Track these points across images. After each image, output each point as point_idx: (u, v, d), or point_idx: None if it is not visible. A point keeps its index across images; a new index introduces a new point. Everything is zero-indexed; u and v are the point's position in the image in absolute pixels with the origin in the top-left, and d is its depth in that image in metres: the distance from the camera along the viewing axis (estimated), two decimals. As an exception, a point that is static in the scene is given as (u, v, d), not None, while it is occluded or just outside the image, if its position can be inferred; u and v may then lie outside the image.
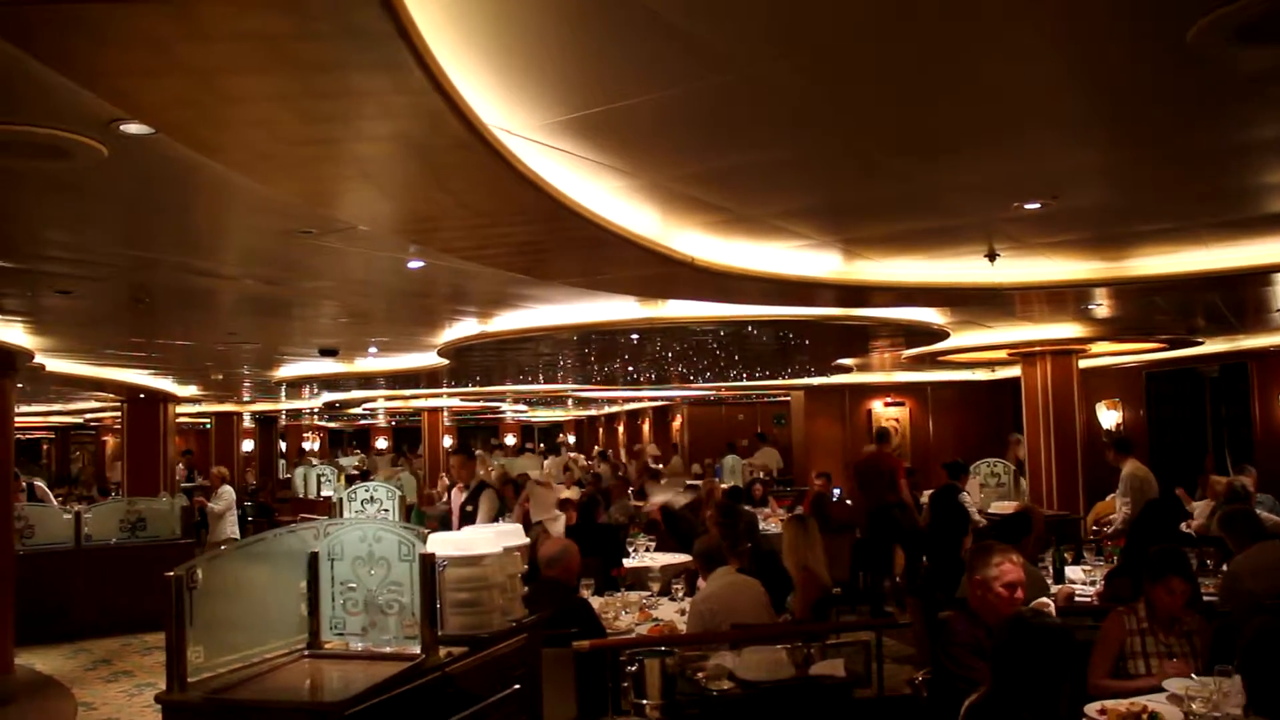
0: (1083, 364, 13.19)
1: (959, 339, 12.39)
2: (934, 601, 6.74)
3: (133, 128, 3.64)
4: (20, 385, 11.39)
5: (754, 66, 3.55)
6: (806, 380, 19.36)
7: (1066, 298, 8.91)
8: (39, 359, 10.56)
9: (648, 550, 10.04)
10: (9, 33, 2.54)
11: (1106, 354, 14.32)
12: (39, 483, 17.65)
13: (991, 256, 6.92)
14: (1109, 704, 4.28)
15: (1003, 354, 13.31)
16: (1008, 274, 7.52)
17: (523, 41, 3.29)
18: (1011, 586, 4.53)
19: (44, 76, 3.00)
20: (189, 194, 4.94)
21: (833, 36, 3.34)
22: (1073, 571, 7.78)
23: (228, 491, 14.54)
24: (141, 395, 16.44)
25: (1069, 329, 11.63)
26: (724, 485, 16.58)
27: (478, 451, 15.90)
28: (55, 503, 15.67)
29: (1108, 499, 11.16)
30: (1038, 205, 5.72)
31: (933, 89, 3.92)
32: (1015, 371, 13.80)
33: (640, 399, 27.89)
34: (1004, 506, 11.96)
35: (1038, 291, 8.04)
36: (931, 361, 15.22)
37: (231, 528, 14.15)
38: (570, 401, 28.38)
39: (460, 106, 3.16)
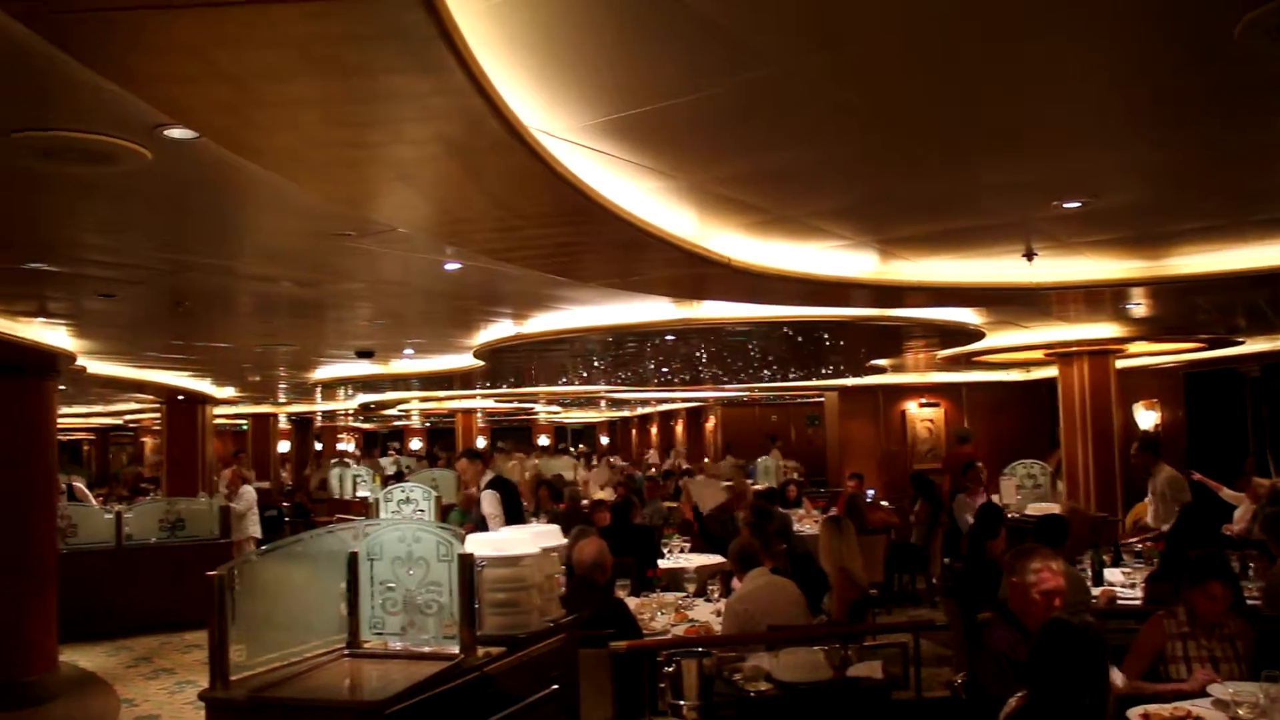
0: (1120, 364, 13.05)
1: (995, 339, 12.30)
2: (972, 603, 6.70)
3: (176, 132, 3.69)
4: (62, 387, 11.52)
5: (794, 64, 3.55)
6: (840, 381, 19.28)
7: (1104, 297, 8.82)
8: (81, 361, 10.69)
9: (682, 551, 10.04)
10: (58, 38, 2.58)
11: (1144, 354, 14.17)
12: (78, 483, 17.85)
13: (1029, 256, 6.87)
14: (1151, 709, 4.23)
15: (1039, 354, 13.21)
16: (1045, 273, 7.46)
17: (563, 42, 3.30)
18: (1049, 594, 4.48)
19: (90, 82, 3.04)
20: (229, 197, 4.99)
21: (874, 34, 3.33)
22: (1112, 574, 7.71)
23: (248, 491, 14.67)
24: (180, 397, 16.61)
25: (1106, 329, 11.51)
26: (758, 486, 16.59)
27: (515, 453, 15.98)
28: (95, 502, 15.85)
29: (1145, 500, 11.04)
30: (1078, 204, 5.67)
31: (974, 87, 3.90)
32: (1051, 372, 13.67)
33: (674, 400, 27.87)
34: (1041, 508, 11.87)
35: (1076, 291, 7.97)
36: (967, 362, 15.14)
37: (253, 527, 14.25)
38: (603, 403, 28.41)
39: (500, 108, 3.18)
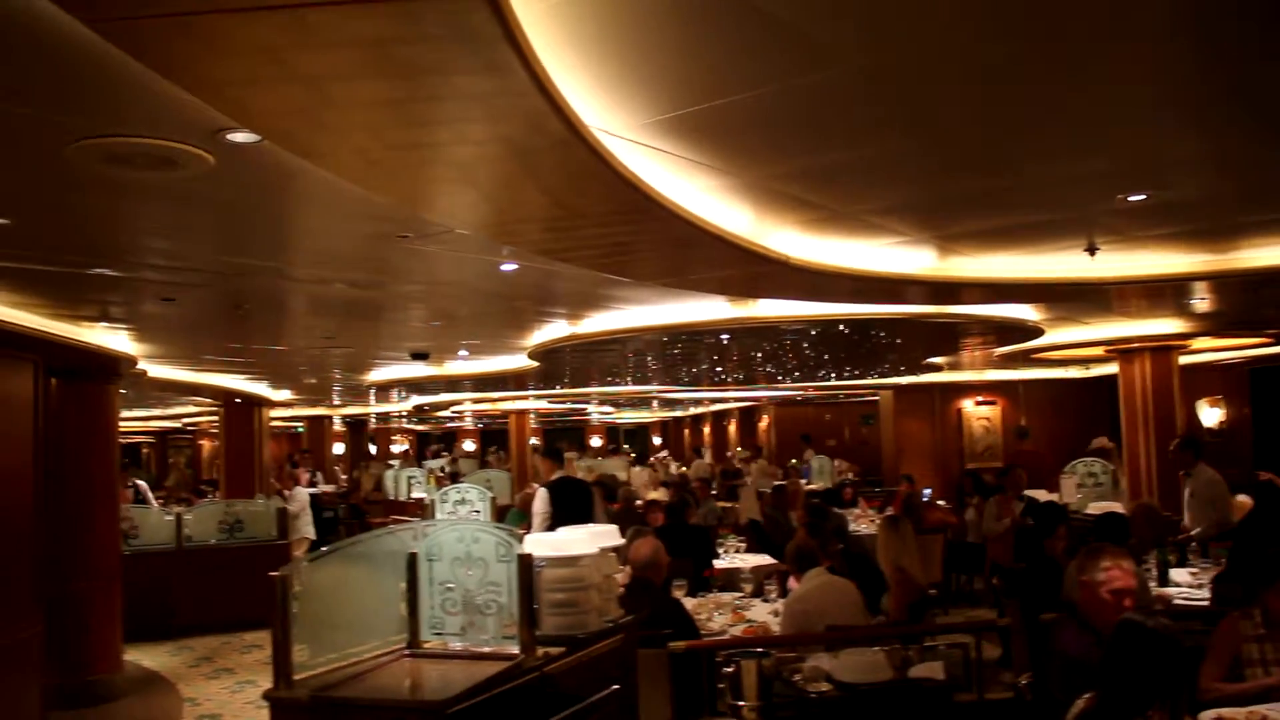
0: (1183, 360, 12.81)
1: (1054, 336, 12.14)
2: (1033, 604, 6.60)
3: (239, 136, 3.71)
4: (123, 391, 11.70)
5: (858, 60, 3.51)
6: (895, 379, 19.13)
7: (1166, 292, 8.68)
8: (141, 365, 10.85)
9: (738, 551, 10.01)
10: (126, 44, 2.60)
11: (1208, 349, 13.92)
12: (141, 482, 18.16)
13: (1091, 250, 6.76)
14: (1225, 713, 4.13)
15: (1099, 351, 13.01)
16: (1107, 268, 7.35)
17: (623, 40, 3.29)
18: (1119, 594, 4.37)
19: (154, 87, 3.07)
20: (288, 201, 5.03)
21: (937, 30, 3.29)
22: (1179, 574, 7.56)
23: (301, 493, 14.82)
24: (237, 399, 16.81)
25: (1169, 324, 11.31)
26: (812, 486, 16.51)
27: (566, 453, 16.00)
28: (155, 503, 16.12)
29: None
30: (1143, 196, 5.57)
31: (1040, 80, 3.84)
32: (1112, 369, 13.47)
33: (727, 400, 27.79)
34: (1102, 507, 11.68)
35: (1138, 286, 7.84)
36: (1024, 359, 14.95)
37: (307, 528, 14.39)
38: (656, 403, 28.40)
39: (562, 107, 3.17)
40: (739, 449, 29.65)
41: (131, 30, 2.49)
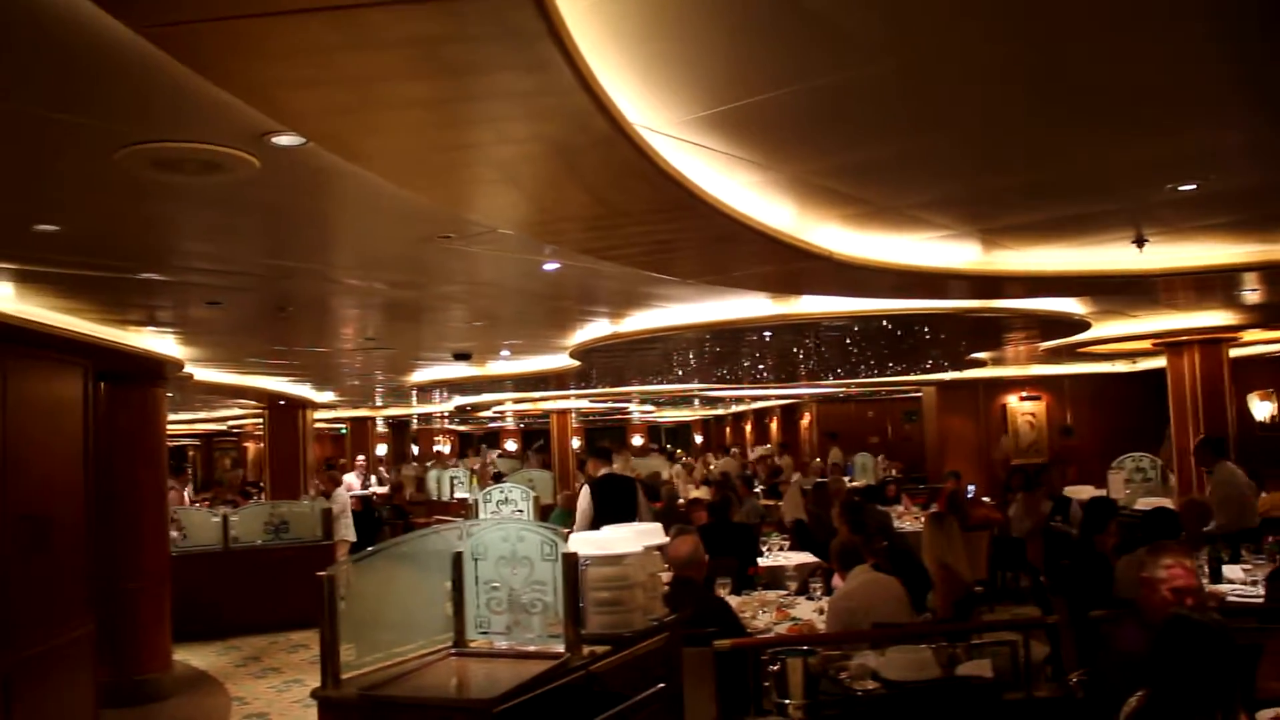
0: (1233, 353, 12.61)
1: (1100, 330, 11.99)
2: (1081, 600, 6.53)
3: (284, 139, 3.74)
4: (170, 394, 11.84)
5: (901, 53, 3.48)
6: (938, 375, 18.97)
7: (1216, 284, 8.55)
8: (188, 368, 10.97)
9: (781, 549, 9.97)
10: (174, 48, 2.62)
11: (1259, 342, 13.70)
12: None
13: (1139, 242, 6.67)
14: (1285, 711, 4.06)
15: (1146, 344, 12.83)
16: (1156, 260, 7.24)
17: (665, 37, 3.28)
18: (1180, 592, 4.29)
19: (201, 92, 3.10)
20: (331, 203, 5.06)
21: (982, 20, 3.25)
22: (1232, 570, 7.44)
23: (341, 494, 14.93)
24: (281, 401, 16.97)
25: (1218, 316, 11.15)
26: (856, 483, 16.42)
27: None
28: (185, 502, 16.37)
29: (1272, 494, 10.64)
30: (1193, 186, 5.48)
31: (1087, 68, 3.79)
32: (1159, 363, 13.28)
33: (768, 397, 27.70)
34: (1151, 502, 11.52)
35: (1188, 277, 7.72)
36: (1070, 354, 14.79)
37: (347, 530, 14.48)
38: (697, 401, 28.36)
39: (605, 104, 3.17)
40: (755, 447, 29.63)
41: (179, 35, 2.51)
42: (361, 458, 24.76)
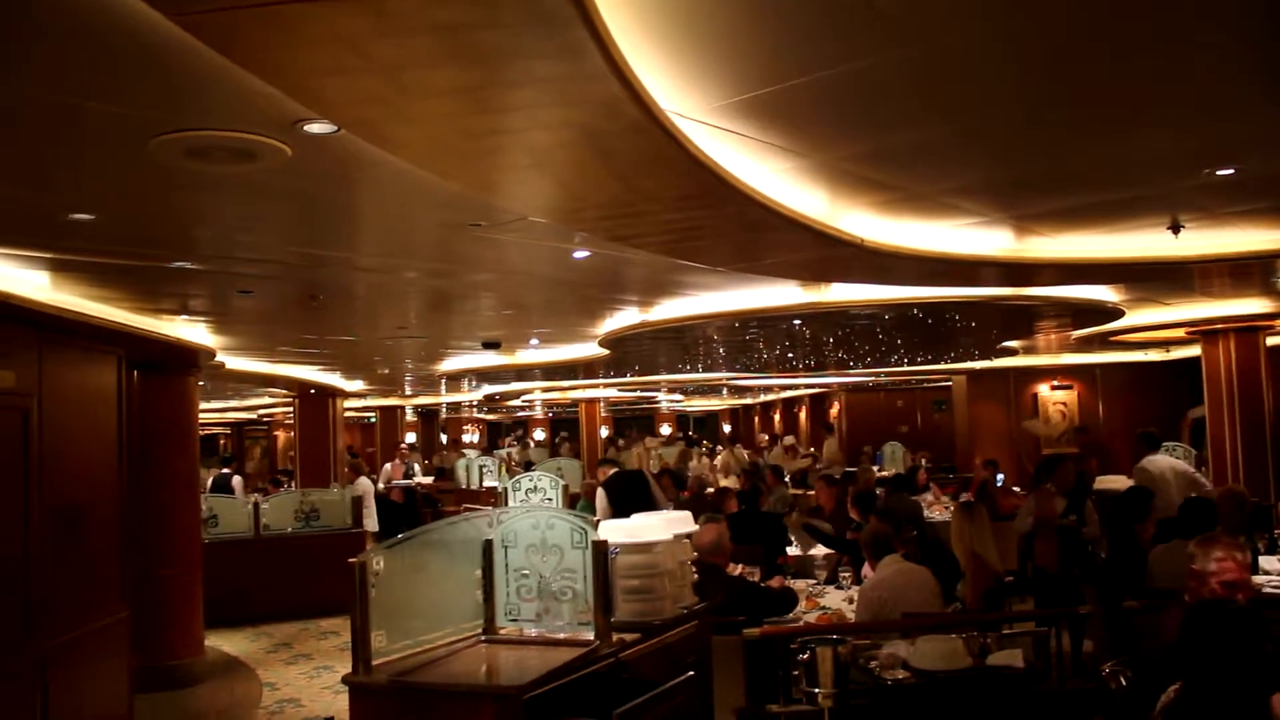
0: (1270, 341, 12.43)
1: (1133, 318, 11.86)
2: (1115, 590, 6.47)
3: (316, 127, 3.74)
4: (201, 383, 11.94)
5: (935, 37, 3.45)
6: (969, 364, 18.85)
7: (1254, 270, 8.43)
8: (220, 357, 11.05)
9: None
10: (208, 36, 2.63)
11: (1298, 329, 13.50)
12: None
13: (1175, 228, 6.58)
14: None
15: (1181, 333, 12.69)
16: (1192, 246, 7.15)
17: (696, 22, 3.26)
18: (1232, 586, 4.22)
19: (233, 79, 3.11)
20: (362, 191, 5.06)
21: (1021, 4, 3.21)
22: (1267, 561, 7.37)
23: (364, 483, 14.98)
24: (312, 390, 17.07)
25: (1255, 304, 11.00)
26: (884, 472, 16.35)
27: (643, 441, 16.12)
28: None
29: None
30: (1230, 170, 5.40)
31: (1121, 54, 3.74)
32: (1193, 351, 13.14)
33: (797, 386, 27.62)
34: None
35: (1224, 264, 7.62)
36: (1103, 342, 14.64)
37: (369, 520, 14.54)
38: (725, 390, 28.32)
39: (637, 90, 3.15)
40: (761, 435, 29.55)
41: (214, 22, 2.52)
42: (407, 442, 24.52)
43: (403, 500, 16.67)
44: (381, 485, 18.00)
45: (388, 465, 20.84)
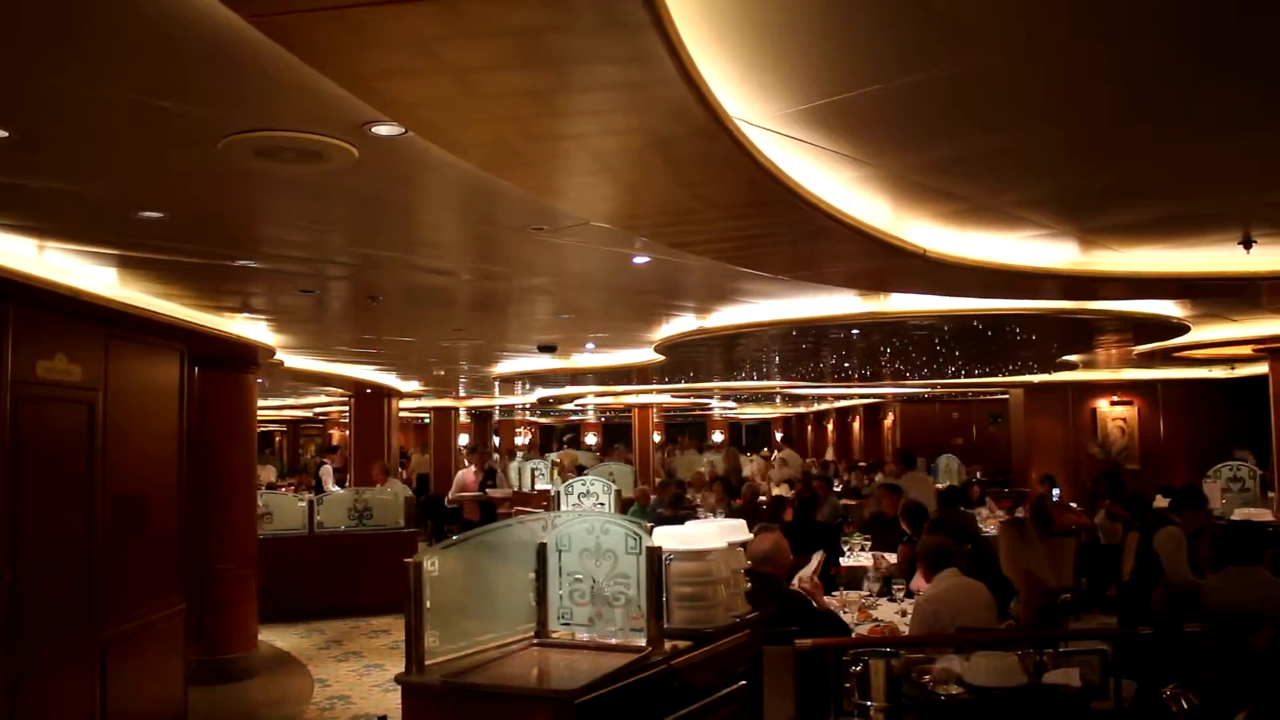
0: (1341, 360, 12.16)
1: (1199, 334, 11.64)
2: (1172, 614, 6.36)
3: (384, 129, 3.77)
4: (260, 380, 12.09)
5: (1012, 49, 3.40)
6: (1026, 377, 18.60)
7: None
8: (279, 355, 11.19)
9: (863, 550, 9.87)
10: (281, 37, 2.65)
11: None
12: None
13: (1247, 243, 6.45)
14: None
15: (1247, 350, 12.45)
16: (1263, 262, 7.00)
17: (766, 28, 3.23)
18: None
19: (304, 81, 3.14)
20: (426, 192, 5.10)
21: (1094, 14, 3.16)
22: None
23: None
24: (368, 390, 17.21)
25: (1326, 322, 10.77)
26: (939, 485, 16.18)
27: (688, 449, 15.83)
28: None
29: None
30: (1308, 185, 5.30)
31: (1197, 64, 3.66)
32: (1260, 369, 12.87)
33: (850, 396, 27.44)
34: (1248, 513, 11.20)
35: (1294, 281, 7.46)
36: (1165, 358, 14.39)
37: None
38: (778, 398, 28.19)
39: (705, 96, 3.14)
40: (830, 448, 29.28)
41: (290, 24, 2.54)
42: (494, 445, 23.44)
43: (479, 518, 15.30)
44: (452, 495, 16.99)
45: (463, 471, 18.30)
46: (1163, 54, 3.55)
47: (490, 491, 16.24)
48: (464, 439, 28.47)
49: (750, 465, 23.43)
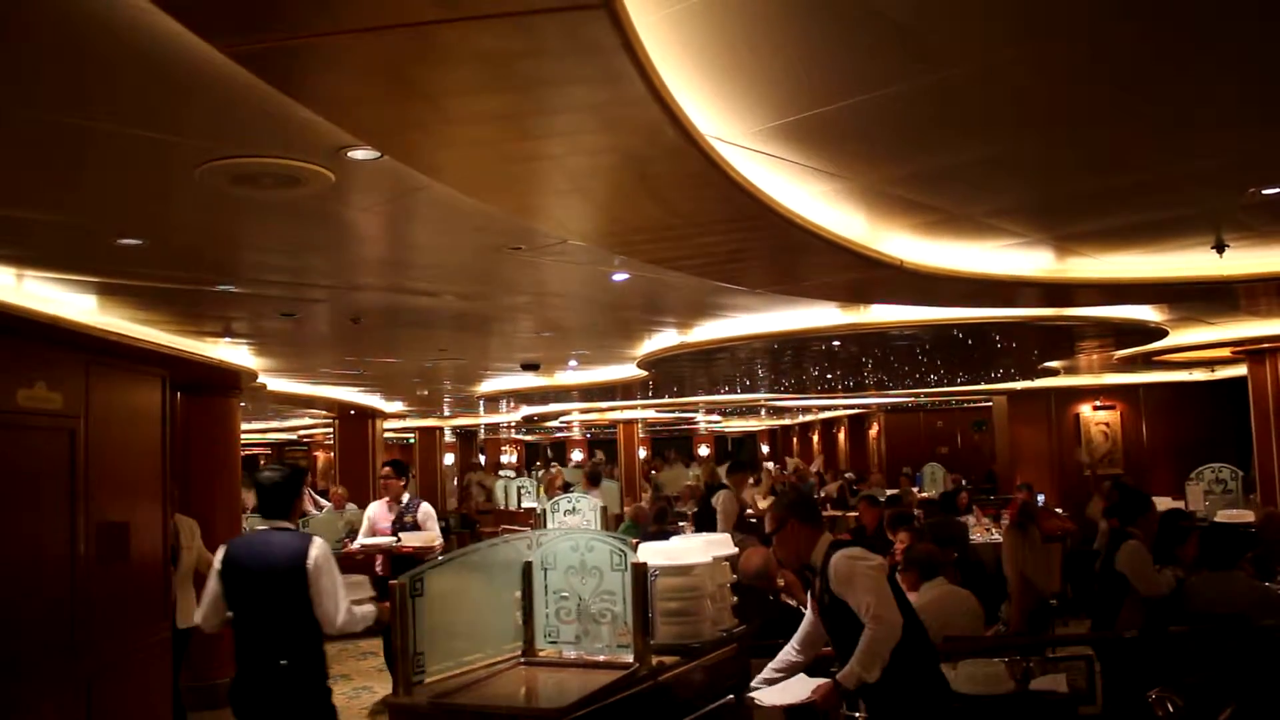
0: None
1: (1177, 337, 11.73)
2: (1159, 616, 6.39)
3: (359, 153, 3.79)
4: (243, 404, 12.05)
5: (982, 61, 3.45)
6: (1010, 384, 18.68)
7: (1300, 289, 8.31)
8: (261, 378, 11.15)
9: (850, 560, 9.85)
10: (258, 67, 2.67)
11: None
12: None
13: (1220, 248, 6.52)
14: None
15: (1225, 352, 12.53)
16: (1236, 265, 7.06)
17: (737, 47, 3.27)
18: None
19: (280, 108, 3.16)
20: (403, 215, 5.11)
21: (1062, 25, 3.20)
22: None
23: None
24: (352, 411, 17.14)
25: (1303, 323, 10.85)
26: (924, 494, 16.24)
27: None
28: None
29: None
30: (1277, 190, 5.34)
31: (1165, 71, 3.71)
32: (1239, 371, 12.96)
33: (835, 407, 27.51)
34: (1232, 515, 11.25)
35: (1270, 283, 7.52)
36: (1146, 362, 14.48)
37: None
38: (764, 411, 28.23)
39: (677, 116, 3.17)
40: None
41: (263, 53, 2.56)
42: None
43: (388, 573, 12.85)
44: (360, 542, 14.27)
45: (373, 506, 14.78)
46: (1133, 60, 3.60)
47: (404, 538, 10.05)
48: (449, 458, 28.33)
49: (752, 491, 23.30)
